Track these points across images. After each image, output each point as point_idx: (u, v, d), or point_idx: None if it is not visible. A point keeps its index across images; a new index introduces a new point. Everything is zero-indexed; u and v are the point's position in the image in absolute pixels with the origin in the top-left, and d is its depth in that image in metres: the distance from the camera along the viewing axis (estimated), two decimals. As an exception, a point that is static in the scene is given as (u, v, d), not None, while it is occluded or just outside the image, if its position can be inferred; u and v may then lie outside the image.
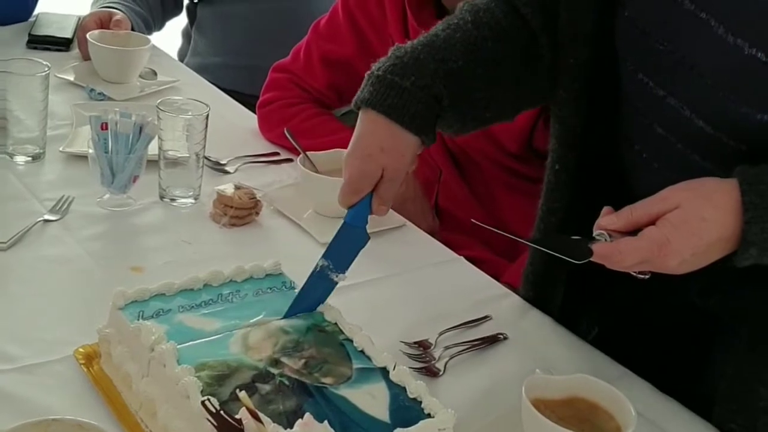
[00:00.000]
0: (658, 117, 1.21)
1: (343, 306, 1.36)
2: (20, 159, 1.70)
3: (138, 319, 1.15)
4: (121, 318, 1.16)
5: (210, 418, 0.95)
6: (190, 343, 1.12)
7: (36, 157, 1.71)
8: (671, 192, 1.09)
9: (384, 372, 1.12)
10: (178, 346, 1.10)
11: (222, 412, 0.96)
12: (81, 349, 1.21)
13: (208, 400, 0.97)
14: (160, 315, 1.17)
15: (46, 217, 1.52)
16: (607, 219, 1.11)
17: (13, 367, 1.18)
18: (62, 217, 1.53)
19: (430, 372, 1.27)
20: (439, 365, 1.29)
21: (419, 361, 1.29)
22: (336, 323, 1.19)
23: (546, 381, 1.15)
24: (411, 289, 1.48)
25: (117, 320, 1.17)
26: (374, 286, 1.47)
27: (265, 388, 1.07)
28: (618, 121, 1.29)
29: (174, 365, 1.07)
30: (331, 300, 1.34)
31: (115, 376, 1.16)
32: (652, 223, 1.07)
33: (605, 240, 1.09)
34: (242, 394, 0.95)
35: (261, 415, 0.97)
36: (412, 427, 1.02)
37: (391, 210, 1.70)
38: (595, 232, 1.10)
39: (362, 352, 1.15)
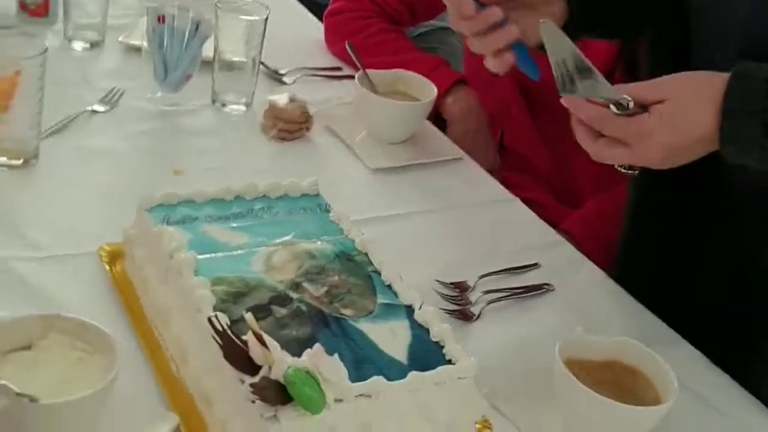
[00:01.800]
0: None
1: (383, 235, 1.33)
2: (78, 45, 1.69)
3: (162, 224, 1.13)
4: (146, 220, 1.14)
5: (215, 336, 0.93)
6: (211, 255, 1.10)
7: (94, 45, 1.70)
8: (664, 82, 1.07)
9: (409, 310, 1.08)
10: (198, 257, 1.08)
11: (229, 330, 0.93)
12: (107, 247, 1.20)
13: (216, 316, 0.94)
14: (185, 222, 1.14)
15: (95, 107, 1.51)
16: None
17: (37, 255, 1.18)
18: (111, 109, 1.52)
19: (463, 315, 1.23)
20: (475, 310, 1.25)
21: (453, 303, 1.25)
22: (366, 253, 1.15)
23: (585, 341, 1.09)
24: (457, 226, 1.44)
25: (142, 222, 1.15)
26: (418, 219, 1.43)
27: (281, 311, 1.04)
28: None
29: (190, 276, 1.04)
30: (370, 228, 1.31)
31: (136, 279, 1.15)
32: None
33: (627, 104, 1.05)
34: (248, 316, 0.92)
35: (268, 339, 0.94)
36: (429, 372, 0.98)
37: (449, 140, 1.65)
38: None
39: (389, 286, 1.11)
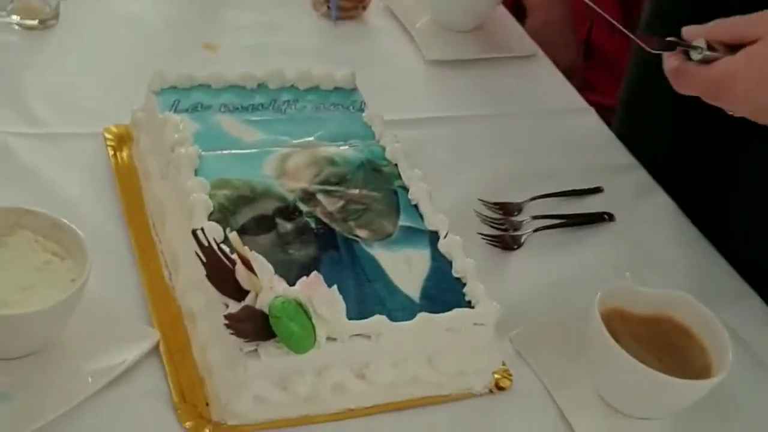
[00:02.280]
0: None
1: (428, 140, 1.21)
2: None
3: (170, 110, 1.01)
4: (154, 104, 1.03)
5: (198, 252, 0.82)
6: (219, 152, 0.98)
7: None
8: (761, 17, 0.88)
9: (432, 237, 0.96)
10: (203, 153, 0.97)
11: (216, 247, 0.83)
12: (114, 129, 1.09)
13: (202, 230, 0.83)
14: (197, 110, 1.03)
15: (128, -34, 1.39)
16: (689, 28, 0.91)
17: (35, 131, 1.09)
18: (145, -30, 1.39)
19: (503, 243, 1.10)
20: (520, 238, 1.11)
21: (495, 227, 1.12)
22: (396, 164, 1.03)
23: (632, 291, 0.96)
24: (517, 136, 1.28)
25: (149, 105, 1.04)
26: (473, 124, 1.28)
27: (286, 226, 0.93)
28: None
29: (189, 175, 0.94)
30: (414, 131, 1.18)
31: (141, 168, 1.05)
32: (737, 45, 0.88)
33: (701, 51, 0.89)
34: (233, 235, 0.81)
35: (259, 261, 0.83)
36: (441, 315, 0.87)
37: (524, 33, 1.49)
38: (693, 41, 0.91)
39: (415, 206, 0.98)
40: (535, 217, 1.14)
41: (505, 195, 1.16)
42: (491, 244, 1.09)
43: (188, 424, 0.82)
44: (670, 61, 0.91)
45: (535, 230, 1.12)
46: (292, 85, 1.09)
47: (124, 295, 0.92)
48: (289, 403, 0.83)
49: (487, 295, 0.90)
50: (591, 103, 1.43)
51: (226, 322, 0.77)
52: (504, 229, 1.12)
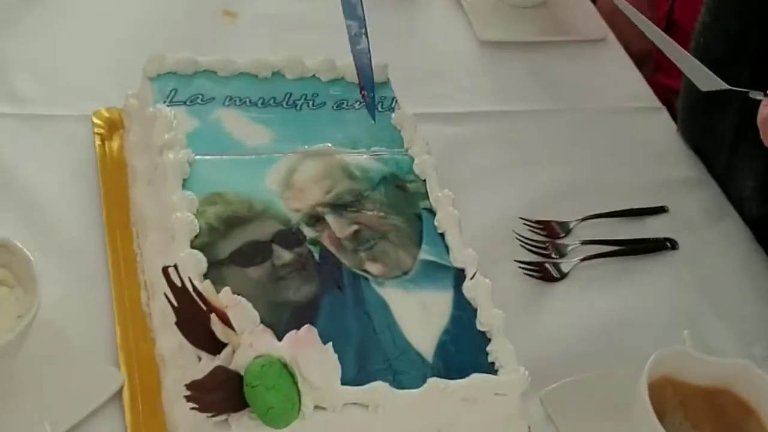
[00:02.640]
0: None
1: (467, 139, 1.07)
2: None
3: (165, 101, 0.88)
4: (148, 91, 0.89)
5: (168, 295, 0.69)
6: (216, 156, 0.85)
7: None
8: None
9: (457, 277, 0.81)
10: (197, 157, 0.83)
11: (192, 287, 0.69)
12: (105, 112, 0.96)
13: (175, 267, 0.70)
14: (196, 102, 0.89)
15: None
16: None
17: (16, 111, 0.96)
18: None
19: (544, 273, 0.95)
20: (565, 266, 0.96)
21: (536, 251, 0.97)
22: (424, 180, 0.88)
23: (687, 357, 0.81)
24: (571, 136, 1.12)
25: (144, 93, 0.90)
26: (525, 121, 1.12)
27: (284, 256, 0.79)
28: None
29: (175, 187, 0.80)
30: (456, 128, 1.04)
31: (129, 163, 0.91)
32: None
33: None
34: (206, 284, 0.68)
35: (240, 308, 0.70)
36: (457, 382, 0.73)
37: (595, 11, 1.32)
38: None
39: (441, 236, 0.84)
40: (585, 242, 0.98)
41: (552, 211, 1.01)
42: (529, 275, 0.94)
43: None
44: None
45: (583, 259, 0.97)
46: (313, 76, 0.95)
47: (91, 322, 0.80)
48: (267, 477, 0.71)
49: (514, 358, 0.75)
50: (662, 86, 1.28)
51: (187, 393, 0.64)
52: (546, 254, 0.97)
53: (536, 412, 0.83)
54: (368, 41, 0.91)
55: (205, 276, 0.75)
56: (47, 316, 0.75)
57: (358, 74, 0.92)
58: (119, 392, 0.75)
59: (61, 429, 0.72)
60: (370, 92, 0.91)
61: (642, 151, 1.12)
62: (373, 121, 0.91)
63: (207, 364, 0.69)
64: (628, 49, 1.29)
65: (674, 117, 1.18)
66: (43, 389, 0.74)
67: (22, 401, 0.73)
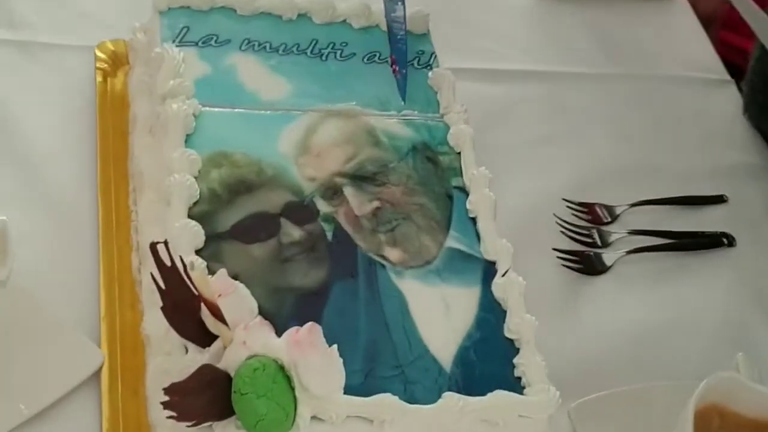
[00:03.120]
0: None
1: (511, 102, 0.98)
2: None
3: (174, 40, 0.78)
4: (156, 27, 0.79)
5: (154, 276, 0.60)
6: (226, 109, 0.75)
7: None
8: None
9: (487, 271, 0.72)
10: (203, 109, 0.74)
11: (183, 269, 0.60)
12: (110, 45, 0.86)
13: (165, 244, 0.61)
14: (209, 44, 0.79)
15: None
16: None
17: (13, 37, 0.87)
18: None
19: (584, 265, 0.85)
20: (608, 258, 0.86)
21: (577, 239, 0.87)
22: (459, 153, 0.78)
23: (738, 385, 0.71)
24: (626, 107, 1.01)
25: (152, 27, 0.80)
26: (573, 84, 1.01)
27: (293, 234, 0.70)
28: None
29: (176, 143, 0.71)
30: (497, 87, 0.94)
31: (132, 106, 0.82)
32: None
33: None
34: (197, 273, 0.59)
35: (240, 292, 0.61)
36: (476, 400, 0.64)
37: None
38: None
39: (473, 221, 0.74)
40: (632, 232, 0.89)
41: (598, 193, 0.91)
42: (568, 267, 0.85)
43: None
44: None
45: (629, 252, 0.87)
46: (343, 21, 0.84)
47: (73, 288, 0.72)
48: (252, 488, 0.63)
49: (545, 374, 0.67)
50: (729, 45, 1.17)
51: (165, 398, 0.56)
52: (589, 242, 0.87)
53: (563, 424, 0.74)
54: (405, 9, 0.80)
55: (201, 251, 0.66)
56: (23, 280, 0.68)
57: (390, 46, 0.81)
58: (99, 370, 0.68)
59: (35, 409, 0.65)
60: (402, 68, 0.80)
61: (703, 131, 1.01)
62: (402, 102, 0.80)
63: (194, 357, 0.61)
64: (694, 7, 1.17)
65: (741, 89, 1.07)
66: (17, 366, 0.66)
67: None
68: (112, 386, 0.67)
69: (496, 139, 0.90)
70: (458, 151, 0.78)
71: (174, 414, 0.56)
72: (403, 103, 0.80)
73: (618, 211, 0.90)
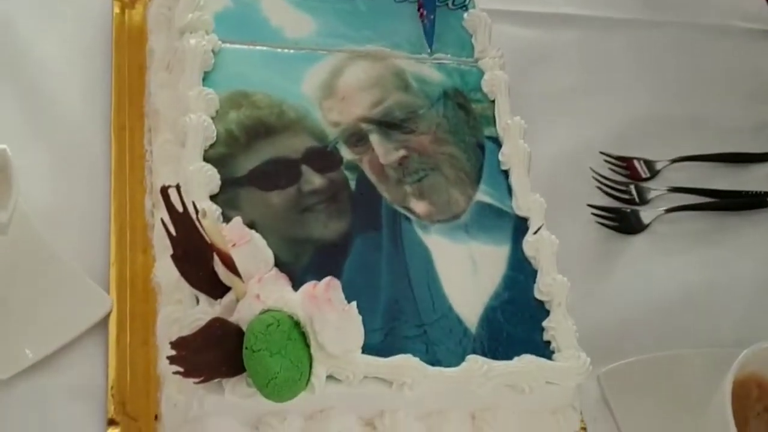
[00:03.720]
0: None
1: (550, 47, 0.94)
2: None
3: (196, -30, 0.74)
4: (177, -44, 0.75)
5: (164, 222, 0.57)
6: (247, 46, 0.71)
7: None
8: None
9: (518, 227, 0.68)
10: (223, 45, 0.70)
11: (196, 216, 0.57)
12: (130, -27, 0.82)
13: (177, 189, 0.57)
14: (233, -25, 0.75)
15: None
16: None
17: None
18: None
19: (621, 223, 0.81)
20: (646, 216, 0.82)
21: (614, 195, 0.83)
22: (494, 101, 0.74)
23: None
24: (671, 57, 0.96)
25: (173, -43, 0.76)
26: (616, 30, 0.96)
27: (314, 181, 0.66)
28: None
29: (194, 80, 0.67)
30: (535, 31, 0.90)
31: (149, 40, 0.78)
32: None
33: None
34: (208, 221, 0.55)
35: (256, 242, 0.58)
36: (502, 364, 0.60)
37: None
38: None
39: (505, 174, 0.70)
40: (672, 189, 0.84)
41: (637, 148, 0.87)
42: (603, 225, 0.81)
43: (116, 455, 0.61)
44: None
45: (669, 210, 0.83)
46: (379, -51, 0.80)
47: (83, 230, 0.69)
48: (262, 445, 0.60)
49: (575, 339, 0.63)
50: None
51: (172, 352, 0.53)
52: (626, 199, 0.83)
53: (592, 390, 0.71)
54: None
55: (216, 197, 0.63)
56: (31, 221, 0.65)
57: None
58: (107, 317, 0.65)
59: (41, 355, 0.63)
60: (431, 13, 0.75)
61: (750, 85, 0.96)
62: (428, 50, 0.76)
63: (204, 309, 0.58)
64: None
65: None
66: (23, 310, 0.64)
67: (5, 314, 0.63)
68: (120, 334, 0.65)
69: (532, 87, 0.86)
70: (492, 98, 0.74)
71: (181, 369, 0.53)
72: (429, 51, 0.75)
73: (658, 166, 0.86)
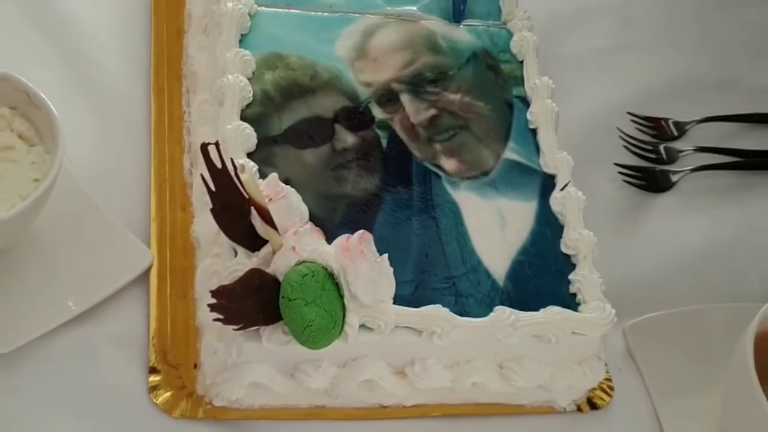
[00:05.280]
0: None
1: (581, 9, 0.94)
2: None
3: (232, -67, 0.76)
4: None
5: (204, 177, 0.59)
6: (283, 9, 0.73)
7: None
8: None
9: (546, 184, 0.70)
10: (259, 8, 0.72)
11: (234, 171, 0.60)
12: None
13: (216, 146, 0.60)
14: (270, -62, 0.77)
15: None
16: None
17: None
18: None
19: (648, 182, 0.83)
20: (673, 175, 0.84)
21: (642, 155, 0.85)
22: (522, 62, 0.75)
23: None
24: (702, 16, 0.97)
25: None
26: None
27: (347, 139, 0.68)
28: None
29: (231, 43, 0.69)
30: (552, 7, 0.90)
31: (187, 4, 0.80)
32: None
33: None
34: (246, 177, 0.58)
35: (290, 197, 0.60)
36: (529, 315, 0.63)
37: None
38: None
39: (533, 132, 0.72)
40: (700, 149, 0.86)
41: (665, 108, 0.88)
42: (630, 183, 0.82)
43: (160, 398, 0.63)
44: None
45: (695, 169, 0.84)
46: None
47: (124, 187, 0.71)
48: (297, 393, 0.63)
49: (600, 292, 0.65)
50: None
51: (212, 301, 0.56)
52: (653, 159, 0.85)
53: (616, 344, 0.73)
54: None
55: (253, 154, 0.65)
56: (74, 178, 0.68)
57: None
58: (145, 275, 0.68)
59: (84, 307, 0.65)
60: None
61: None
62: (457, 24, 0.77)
63: (242, 261, 0.60)
64: None
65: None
66: (66, 263, 0.66)
67: (42, 275, 0.65)
68: (160, 287, 0.67)
69: (560, 48, 0.88)
70: (520, 59, 0.76)
71: (221, 317, 0.56)
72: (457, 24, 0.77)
73: (686, 126, 0.87)
